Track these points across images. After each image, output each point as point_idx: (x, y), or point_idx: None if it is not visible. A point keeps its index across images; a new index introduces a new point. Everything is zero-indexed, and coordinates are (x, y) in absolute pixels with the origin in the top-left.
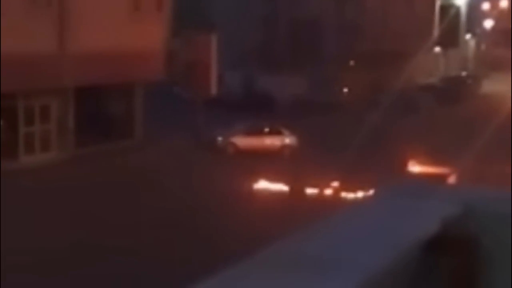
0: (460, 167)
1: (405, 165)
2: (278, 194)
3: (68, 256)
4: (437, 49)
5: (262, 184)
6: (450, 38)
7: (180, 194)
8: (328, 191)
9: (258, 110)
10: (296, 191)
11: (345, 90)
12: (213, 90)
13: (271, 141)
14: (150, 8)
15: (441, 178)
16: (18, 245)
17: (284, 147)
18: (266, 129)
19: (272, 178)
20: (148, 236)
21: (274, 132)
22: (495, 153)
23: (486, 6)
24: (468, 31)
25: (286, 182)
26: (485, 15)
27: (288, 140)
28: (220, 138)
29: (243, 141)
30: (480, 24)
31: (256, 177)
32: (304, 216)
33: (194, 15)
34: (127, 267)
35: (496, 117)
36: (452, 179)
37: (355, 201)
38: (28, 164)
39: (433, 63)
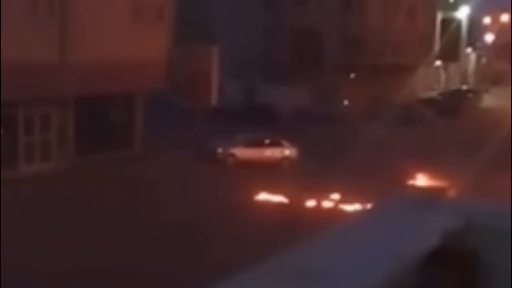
0: (458, 182)
1: (404, 178)
2: (278, 206)
3: (65, 268)
4: (438, 62)
5: (262, 196)
6: (451, 52)
7: (179, 206)
8: (328, 204)
9: (259, 121)
10: (296, 204)
11: (346, 102)
12: (214, 100)
13: (271, 153)
14: (151, 18)
15: (441, 192)
16: (17, 256)
17: (284, 159)
18: (267, 141)
19: (272, 190)
20: (146, 248)
21: (275, 144)
22: (494, 169)
23: (487, 20)
24: (469, 45)
25: (286, 194)
26: (486, 29)
27: (288, 152)
28: (220, 149)
29: (243, 153)
30: (481, 38)
31: (256, 189)
32: (305, 229)
33: (195, 26)
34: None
35: (497, 132)
36: (451, 193)
37: (355, 214)
38: (28, 174)
39: (433, 76)
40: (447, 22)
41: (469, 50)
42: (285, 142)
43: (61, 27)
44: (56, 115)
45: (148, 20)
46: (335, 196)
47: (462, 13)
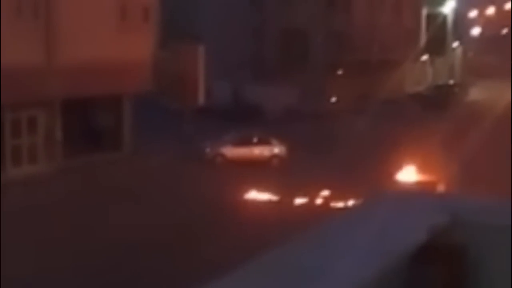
0: (447, 175)
1: (393, 174)
2: (268, 205)
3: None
4: (425, 57)
5: (252, 195)
6: (437, 47)
7: (168, 207)
8: (317, 201)
9: (247, 120)
10: (286, 201)
11: (333, 99)
12: (201, 100)
13: (260, 151)
14: (137, 19)
15: (430, 186)
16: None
17: (273, 157)
18: (255, 139)
19: (261, 189)
20: (136, 251)
21: (263, 142)
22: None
23: (473, 14)
24: (455, 39)
25: (275, 192)
26: (472, 23)
27: (277, 150)
28: (208, 149)
29: (232, 152)
30: (467, 32)
31: (245, 188)
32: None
33: (181, 26)
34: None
35: (484, 125)
36: (440, 187)
37: (344, 211)
38: (16, 177)
39: (420, 71)
40: (433, 17)
41: (455, 44)
42: (273, 140)
43: (46, 29)
44: (43, 118)
45: (134, 21)
46: (325, 193)
47: (448, 8)
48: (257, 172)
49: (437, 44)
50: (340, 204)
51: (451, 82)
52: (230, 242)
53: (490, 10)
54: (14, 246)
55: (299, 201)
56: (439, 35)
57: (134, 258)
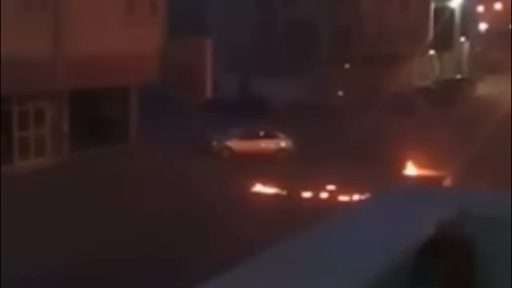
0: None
1: (400, 168)
2: (274, 198)
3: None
4: (432, 52)
5: (258, 188)
6: (444, 41)
7: (174, 199)
8: (324, 195)
9: (254, 114)
10: (292, 195)
11: (340, 93)
12: (208, 93)
13: (266, 145)
14: (145, 12)
15: (437, 181)
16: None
17: (279, 150)
18: (262, 133)
19: (267, 182)
20: (143, 243)
21: (270, 135)
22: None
23: (480, 9)
24: (462, 34)
25: (281, 186)
26: (480, 18)
27: (283, 143)
28: (215, 142)
29: (238, 145)
30: (474, 26)
31: (251, 181)
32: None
33: (188, 19)
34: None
35: (491, 121)
36: (447, 182)
37: (350, 205)
38: (24, 169)
39: (428, 66)
40: (440, 11)
41: (462, 39)
42: (280, 134)
43: (54, 21)
44: (51, 110)
45: (142, 14)
46: (331, 187)
47: (455, 2)
48: (264, 165)
49: (445, 39)
50: (346, 198)
51: (459, 76)
52: (234, 240)
53: (498, 6)
54: (17, 242)
55: (305, 194)
56: (446, 30)
57: (141, 252)
